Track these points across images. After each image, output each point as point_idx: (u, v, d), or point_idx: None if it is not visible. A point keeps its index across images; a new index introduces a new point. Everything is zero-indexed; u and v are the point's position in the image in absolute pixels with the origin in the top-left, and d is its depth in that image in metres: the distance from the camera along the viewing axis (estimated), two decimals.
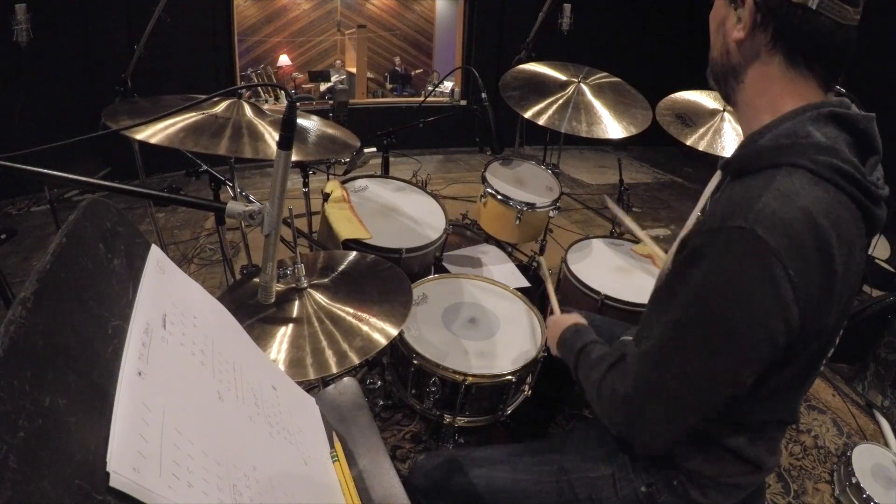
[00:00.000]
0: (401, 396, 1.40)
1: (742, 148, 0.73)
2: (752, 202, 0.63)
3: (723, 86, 0.80)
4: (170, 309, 0.51)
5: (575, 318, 1.12)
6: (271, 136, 1.24)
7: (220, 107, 1.30)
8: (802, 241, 0.62)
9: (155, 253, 0.55)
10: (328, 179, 2.05)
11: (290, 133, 0.77)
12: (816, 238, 0.63)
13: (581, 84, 2.03)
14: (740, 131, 1.21)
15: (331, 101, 4.55)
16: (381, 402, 1.74)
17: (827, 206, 0.64)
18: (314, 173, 2.10)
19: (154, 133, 1.12)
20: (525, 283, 1.83)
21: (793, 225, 0.62)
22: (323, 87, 6.84)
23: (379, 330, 1.00)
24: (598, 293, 1.60)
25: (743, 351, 0.67)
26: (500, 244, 2.15)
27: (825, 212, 0.63)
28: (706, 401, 0.73)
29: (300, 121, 1.39)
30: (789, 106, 0.71)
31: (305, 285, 1.08)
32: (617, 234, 2.33)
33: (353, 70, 6.83)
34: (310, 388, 1.05)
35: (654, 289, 0.88)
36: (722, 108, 1.97)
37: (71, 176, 0.72)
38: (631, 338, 1.10)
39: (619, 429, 0.80)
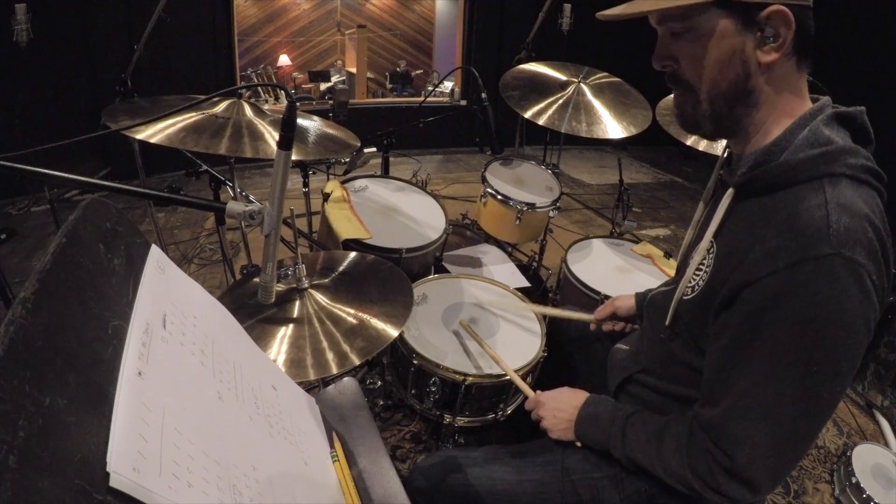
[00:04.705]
0: (401, 396, 1.40)
1: (760, 165, 0.71)
2: (824, 225, 0.63)
3: (725, 119, 0.75)
4: (170, 309, 0.51)
5: (578, 390, 1.00)
6: (271, 136, 1.24)
7: (220, 107, 1.30)
8: (874, 247, 0.64)
9: (155, 253, 0.55)
10: (328, 179, 2.05)
11: (290, 133, 0.76)
12: (879, 239, 0.65)
13: (581, 84, 2.02)
14: None
15: (331, 101, 4.55)
16: (381, 402, 1.74)
17: (873, 207, 0.67)
18: (314, 173, 2.10)
19: (154, 133, 1.12)
20: (525, 283, 1.83)
21: (866, 234, 0.64)
22: (323, 87, 6.84)
23: (379, 330, 1.00)
24: (597, 293, 1.60)
25: (856, 365, 0.66)
26: (500, 244, 2.15)
27: (874, 212, 0.66)
28: (824, 426, 0.72)
29: (300, 121, 1.39)
30: (792, 106, 0.72)
31: (306, 285, 1.08)
32: (617, 234, 2.33)
33: (353, 70, 6.83)
34: (310, 388, 1.05)
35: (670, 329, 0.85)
36: None
37: (71, 176, 0.72)
38: (625, 346, 1.10)
39: (740, 495, 0.74)
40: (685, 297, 0.81)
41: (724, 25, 0.69)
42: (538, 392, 1.05)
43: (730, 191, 0.76)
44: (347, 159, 1.95)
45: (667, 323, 0.86)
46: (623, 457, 0.87)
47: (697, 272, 0.79)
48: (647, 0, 0.73)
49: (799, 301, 0.64)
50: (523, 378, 1.30)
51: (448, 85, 5.67)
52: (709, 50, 0.71)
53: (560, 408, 0.97)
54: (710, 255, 0.77)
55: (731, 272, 0.71)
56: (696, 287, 0.79)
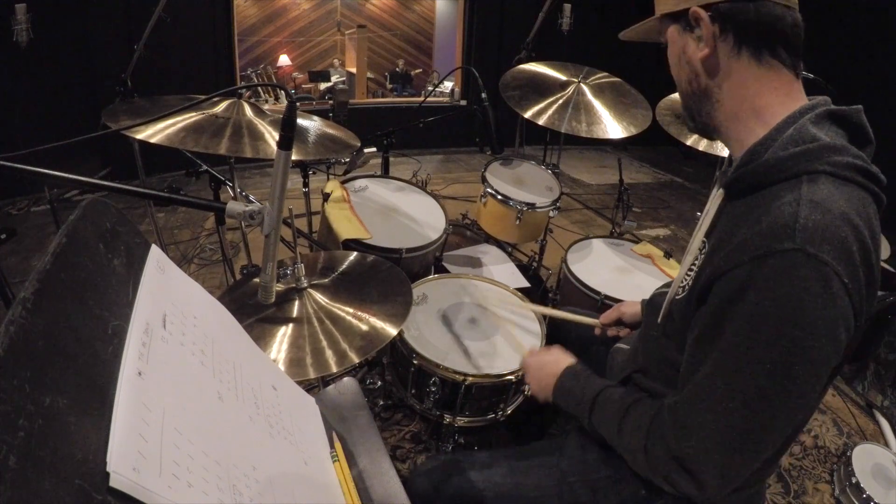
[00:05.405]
0: (401, 396, 1.40)
1: (745, 164, 0.71)
2: (791, 220, 0.62)
3: (698, 116, 0.80)
4: (170, 309, 0.51)
5: (563, 356, 1.02)
6: (271, 136, 1.24)
7: (220, 107, 1.30)
8: (849, 247, 0.62)
9: (155, 253, 0.55)
10: (328, 179, 2.05)
11: (290, 133, 0.76)
12: (858, 240, 0.63)
13: (581, 84, 2.03)
14: None
15: (331, 101, 4.56)
16: (381, 402, 1.74)
17: (856, 206, 0.64)
18: (314, 173, 2.10)
19: (154, 133, 1.12)
20: (525, 283, 1.83)
21: (838, 233, 0.61)
22: (323, 87, 6.84)
23: (379, 330, 1.00)
24: (598, 293, 1.60)
25: (819, 372, 0.65)
26: (500, 244, 2.15)
27: (856, 212, 0.64)
28: (782, 433, 0.70)
29: (300, 121, 1.39)
30: (773, 104, 0.72)
31: (305, 285, 1.08)
32: (617, 234, 2.33)
33: (353, 70, 6.83)
34: (310, 388, 1.05)
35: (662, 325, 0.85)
36: None
37: (71, 176, 0.72)
38: (626, 346, 1.10)
39: (687, 489, 0.74)
40: (677, 297, 0.82)
41: (672, 32, 0.78)
42: (529, 352, 1.10)
43: (720, 191, 0.76)
44: (347, 159, 1.95)
45: (658, 320, 0.86)
46: (591, 430, 0.90)
47: (689, 271, 0.79)
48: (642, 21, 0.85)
49: (757, 295, 0.63)
50: (522, 378, 1.31)
51: (448, 85, 5.66)
52: (671, 56, 0.80)
53: (540, 376, 1.02)
54: (702, 255, 0.77)
55: (710, 268, 0.71)
56: (687, 286, 0.79)
